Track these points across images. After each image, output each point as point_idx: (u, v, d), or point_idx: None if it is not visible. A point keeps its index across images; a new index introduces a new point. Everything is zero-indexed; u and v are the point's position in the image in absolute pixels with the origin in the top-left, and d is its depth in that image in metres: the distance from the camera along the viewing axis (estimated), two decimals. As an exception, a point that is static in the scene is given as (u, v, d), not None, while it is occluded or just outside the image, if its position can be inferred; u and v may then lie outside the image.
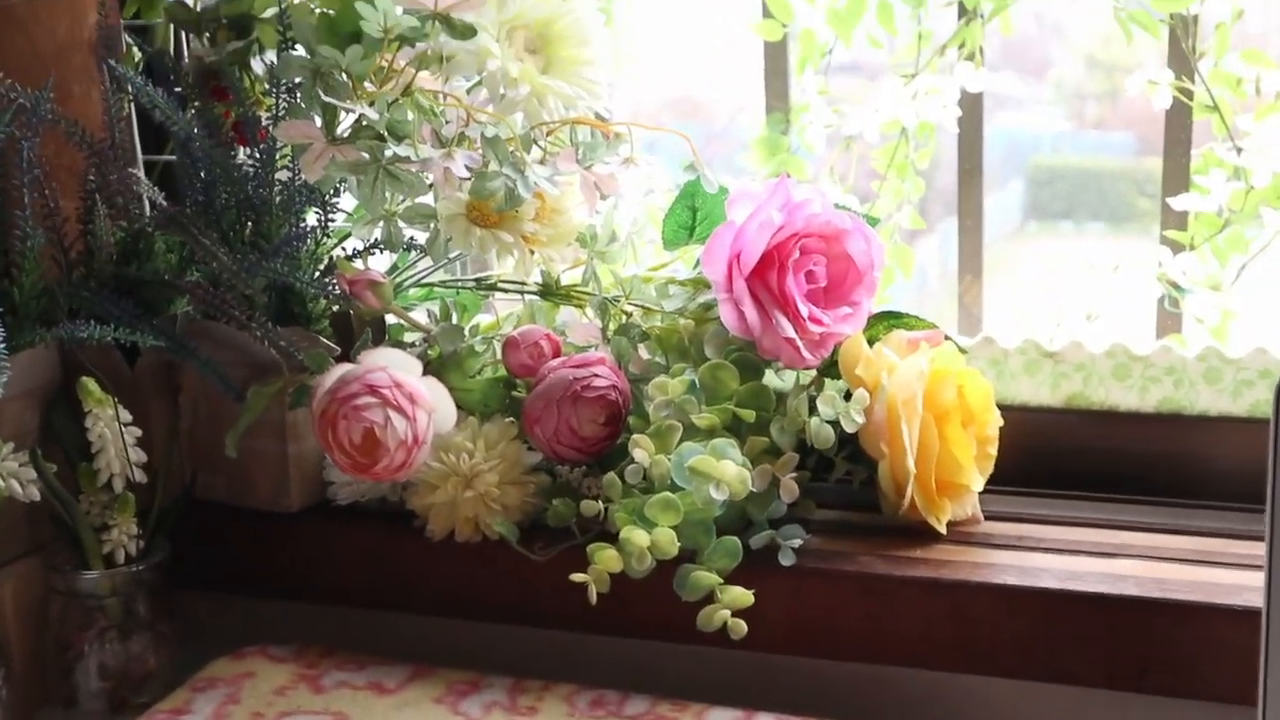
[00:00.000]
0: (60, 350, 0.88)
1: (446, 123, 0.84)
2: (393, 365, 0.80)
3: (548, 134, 0.86)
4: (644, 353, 0.90)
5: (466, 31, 0.83)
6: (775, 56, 1.16)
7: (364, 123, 0.81)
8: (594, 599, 0.78)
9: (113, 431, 0.82)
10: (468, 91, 0.90)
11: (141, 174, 0.94)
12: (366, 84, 0.84)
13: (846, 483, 0.88)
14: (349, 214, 0.95)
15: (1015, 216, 1.48)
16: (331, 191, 0.89)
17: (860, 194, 1.14)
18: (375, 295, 0.84)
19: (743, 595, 0.78)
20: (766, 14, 1.14)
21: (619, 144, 0.85)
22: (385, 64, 0.84)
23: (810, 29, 1.13)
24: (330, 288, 0.86)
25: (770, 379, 0.86)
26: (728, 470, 0.78)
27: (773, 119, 1.17)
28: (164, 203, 0.92)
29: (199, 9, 0.89)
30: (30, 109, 0.84)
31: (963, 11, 1.09)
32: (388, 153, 0.81)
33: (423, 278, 0.95)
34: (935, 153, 1.13)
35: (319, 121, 0.84)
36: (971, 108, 1.10)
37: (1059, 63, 1.22)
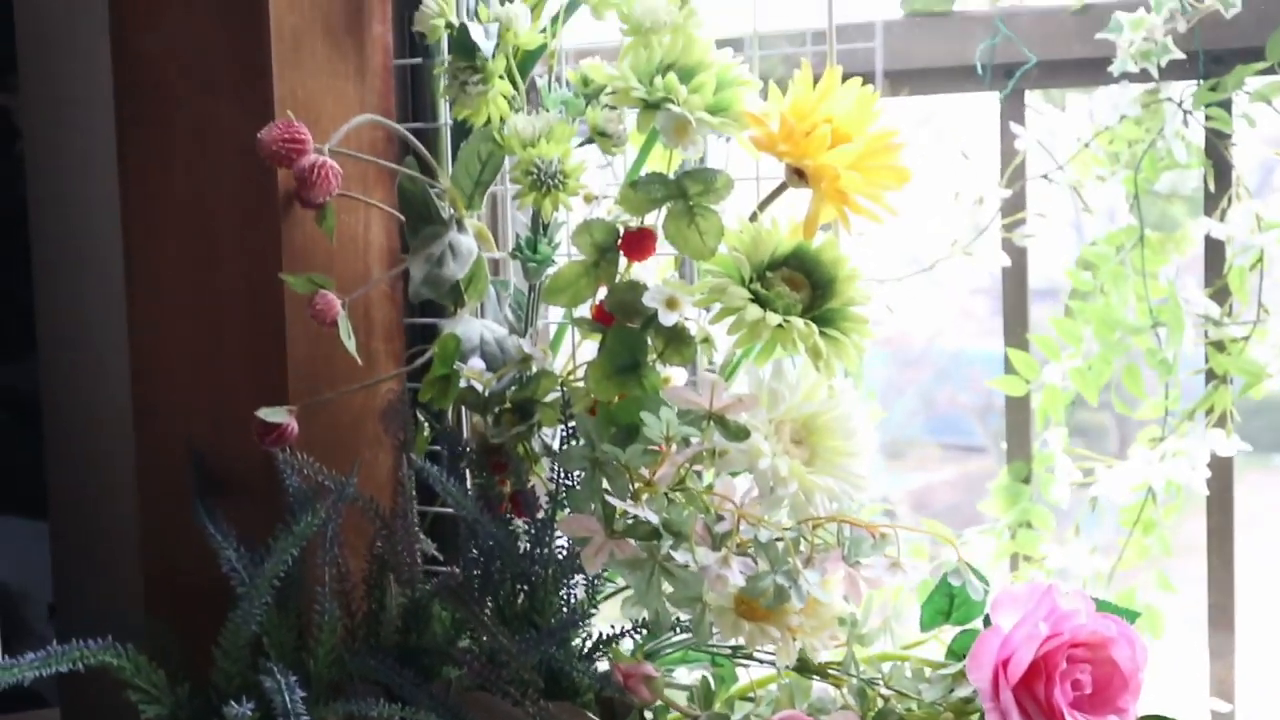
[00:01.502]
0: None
1: (720, 519, 0.88)
2: (666, 764, 0.82)
3: (813, 528, 0.89)
4: (900, 737, 0.91)
5: (740, 433, 0.87)
6: (1017, 408, 1.19)
7: (641, 519, 0.86)
8: None
9: (395, 809, 0.86)
10: (731, 475, 0.94)
11: (420, 535, 1.01)
12: (642, 470, 0.89)
13: None
14: (613, 579, 1.00)
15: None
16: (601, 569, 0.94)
17: (1103, 549, 1.14)
18: (649, 689, 0.87)
19: None
20: (1009, 369, 1.17)
21: (884, 544, 0.87)
22: (660, 452, 0.89)
23: (1053, 385, 1.15)
24: (600, 675, 0.90)
25: (1032, 777, 0.86)
26: None
27: (1014, 468, 1.19)
28: (440, 558, 0.98)
29: (486, 394, 0.95)
30: (336, 496, 0.91)
31: (1211, 377, 1.10)
32: (663, 549, 0.85)
33: (682, 645, 0.99)
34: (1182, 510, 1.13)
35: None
36: (1221, 470, 1.10)
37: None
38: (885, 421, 1.66)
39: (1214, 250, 1.11)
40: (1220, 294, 1.10)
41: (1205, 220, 1.08)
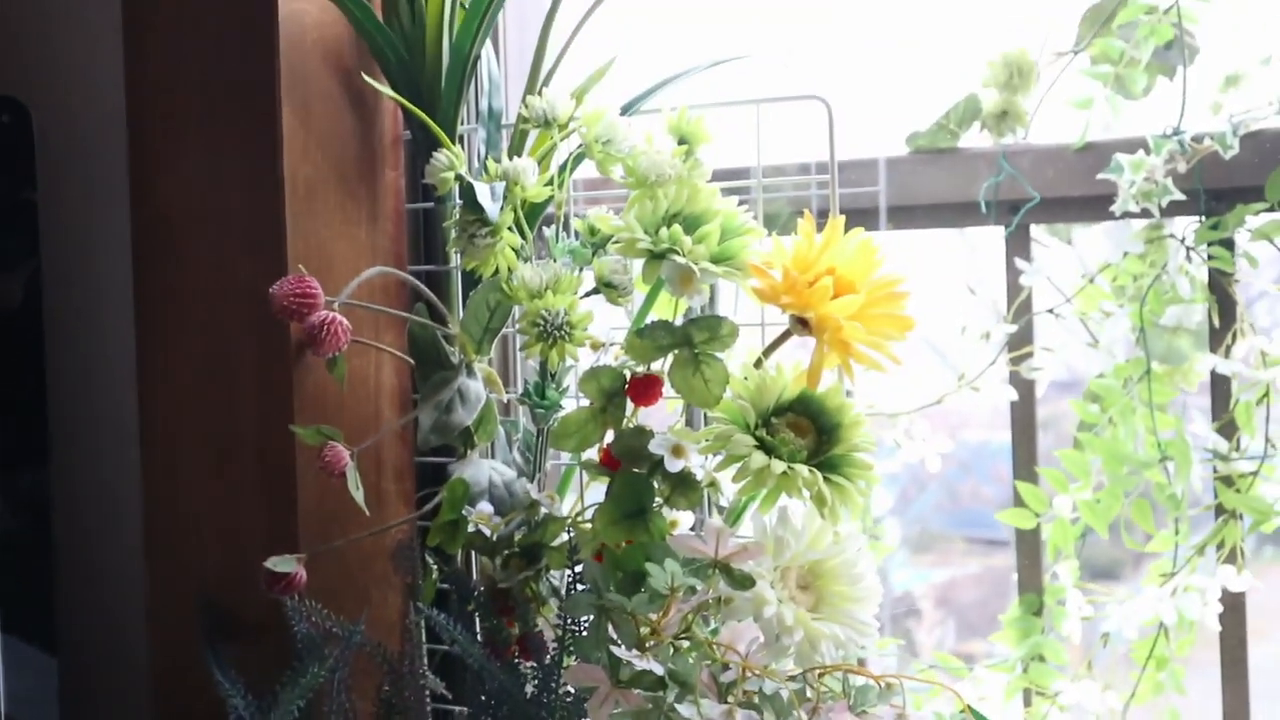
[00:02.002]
0: None
1: (726, 668, 0.88)
2: None
3: (819, 676, 0.89)
4: None
5: (745, 582, 0.88)
6: (1027, 540, 1.18)
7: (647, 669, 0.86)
8: None
9: None
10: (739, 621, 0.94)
11: (427, 675, 1.01)
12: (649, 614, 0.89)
13: None
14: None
15: None
16: (608, 713, 0.94)
17: (1116, 686, 1.13)
18: None
19: None
20: (1019, 503, 1.17)
21: (891, 693, 0.87)
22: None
23: (1063, 519, 1.15)
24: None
25: None
26: None
27: (1025, 601, 1.18)
28: (449, 697, 0.98)
29: (494, 539, 0.96)
30: (344, 644, 0.91)
31: (1220, 511, 1.09)
32: (669, 699, 0.85)
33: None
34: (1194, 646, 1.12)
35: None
36: (1233, 605, 1.10)
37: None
38: (909, 515, 1.66)
39: (1220, 385, 1.11)
40: (1228, 428, 1.10)
41: (1210, 357, 1.09)
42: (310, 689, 0.89)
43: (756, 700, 0.86)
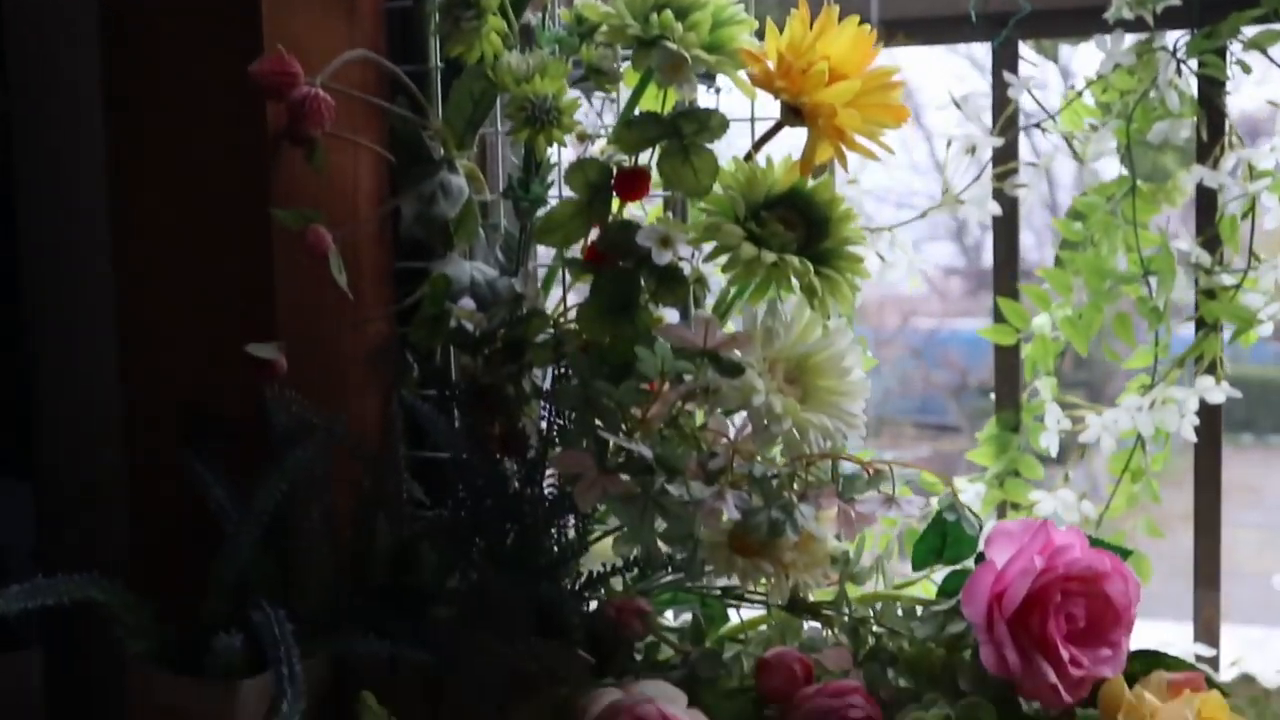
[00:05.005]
0: (331, 659, 0.92)
1: (713, 455, 0.87)
2: (660, 697, 0.82)
3: (807, 465, 0.89)
4: (890, 675, 0.91)
5: (734, 370, 0.87)
6: (1006, 357, 1.18)
7: (634, 454, 0.85)
8: None
9: (386, 746, 0.85)
10: (724, 414, 0.94)
11: (407, 477, 1.00)
12: (634, 409, 0.88)
13: (1103, 827, 0.86)
14: (603, 519, 1.00)
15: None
16: (593, 508, 0.93)
17: (1091, 497, 1.14)
18: (642, 623, 0.87)
19: None
20: (999, 319, 1.16)
21: (880, 480, 0.87)
22: (652, 390, 0.88)
23: (1044, 334, 1.15)
24: (592, 607, 0.89)
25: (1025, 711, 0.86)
26: (996, 826, 0.77)
27: (1002, 417, 1.18)
28: (427, 503, 0.98)
29: (477, 335, 0.95)
30: (325, 434, 0.90)
31: (1201, 325, 1.09)
32: (656, 484, 0.84)
33: (672, 584, 0.98)
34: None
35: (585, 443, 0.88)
36: (1210, 419, 1.10)
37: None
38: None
39: (1206, 199, 1.10)
40: (1211, 243, 1.09)
41: (1198, 168, 1.08)
42: (292, 475, 0.88)
43: (745, 486, 0.85)
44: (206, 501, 0.90)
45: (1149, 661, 0.88)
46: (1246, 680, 0.91)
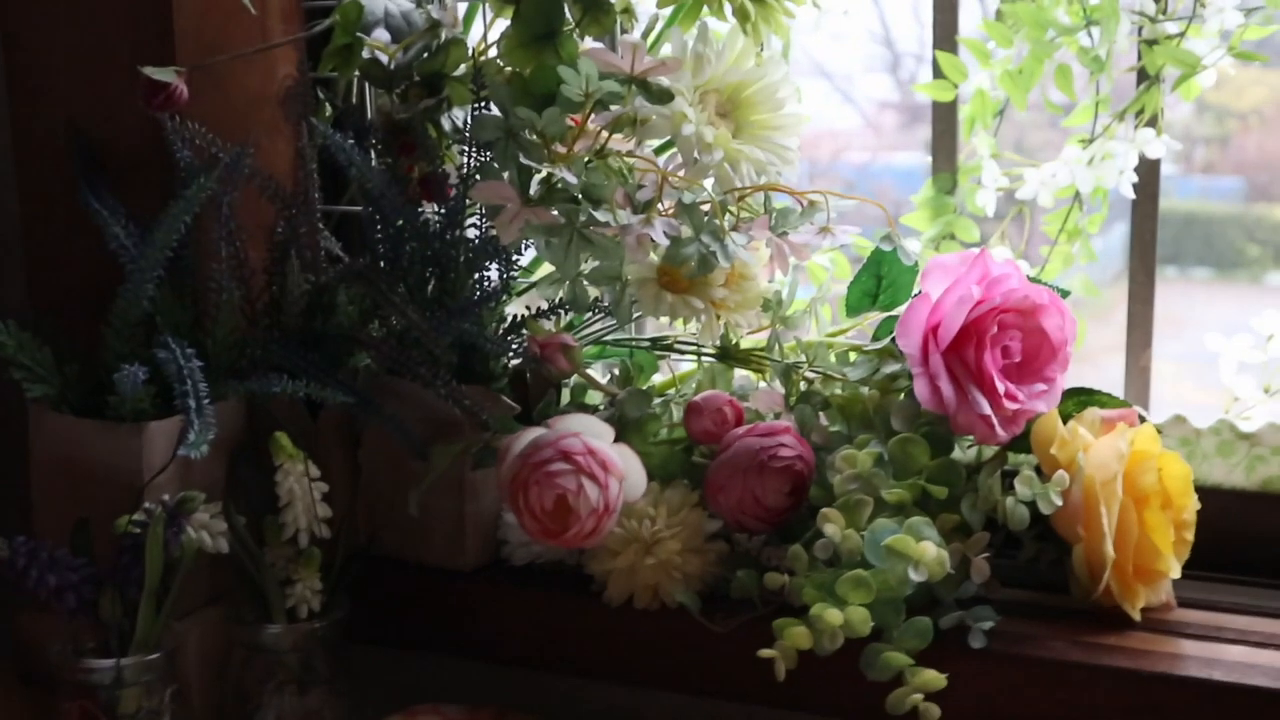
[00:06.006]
0: (247, 402, 0.88)
1: (640, 187, 0.83)
2: (586, 431, 0.79)
3: (739, 199, 0.85)
4: (823, 420, 0.89)
5: (663, 96, 0.82)
6: (944, 116, 1.14)
7: (558, 184, 0.81)
8: (781, 675, 0.77)
9: (302, 487, 0.82)
10: (656, 153, 0.90)
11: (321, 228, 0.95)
12: (557, 146, 0.84)
13: (1033, 562, 0.86)
14: (529, 271, 0.96)
15: (1118, 260, 1.43)
16: (515, 249, 0.89)
17: (1029, 257, 1.11)
18: (567, 358, 0.84)
19: (935, 678, 0.77)
20: (938, 74, 1.12)
21: (814, 212, 0.84)
22: (576, 126, 0.84)
23: (983, 89, 1.11)
24: (517, 348, 0.86)
25: (957, 453, 0.84)
26: (927, 551, 0.76)
27: (939, 180, 1.15)
28: (344, 258, 0.93)
29: (392, 68, 0.89)
30: (230, 164, 0.85)
31: (1143, 77, 1.06)
32: (582, 216, 0.80)
33: (599, 336, 0.95)
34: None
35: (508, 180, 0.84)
36: (1148, 175, 1.08)
37: (1168, 107, 1.18)
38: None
39: (1152, -53, 1.07)
40: (1156, -9, 1.06)
41: (1145, -92, 1.03)
42: (195, 204, 0.83)
43: (675, 216, 0.82)
44: (105, 240, 0.85)
45: (1083, 400, 0.87)
46: (1178, 420, 0.90)
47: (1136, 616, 0.81)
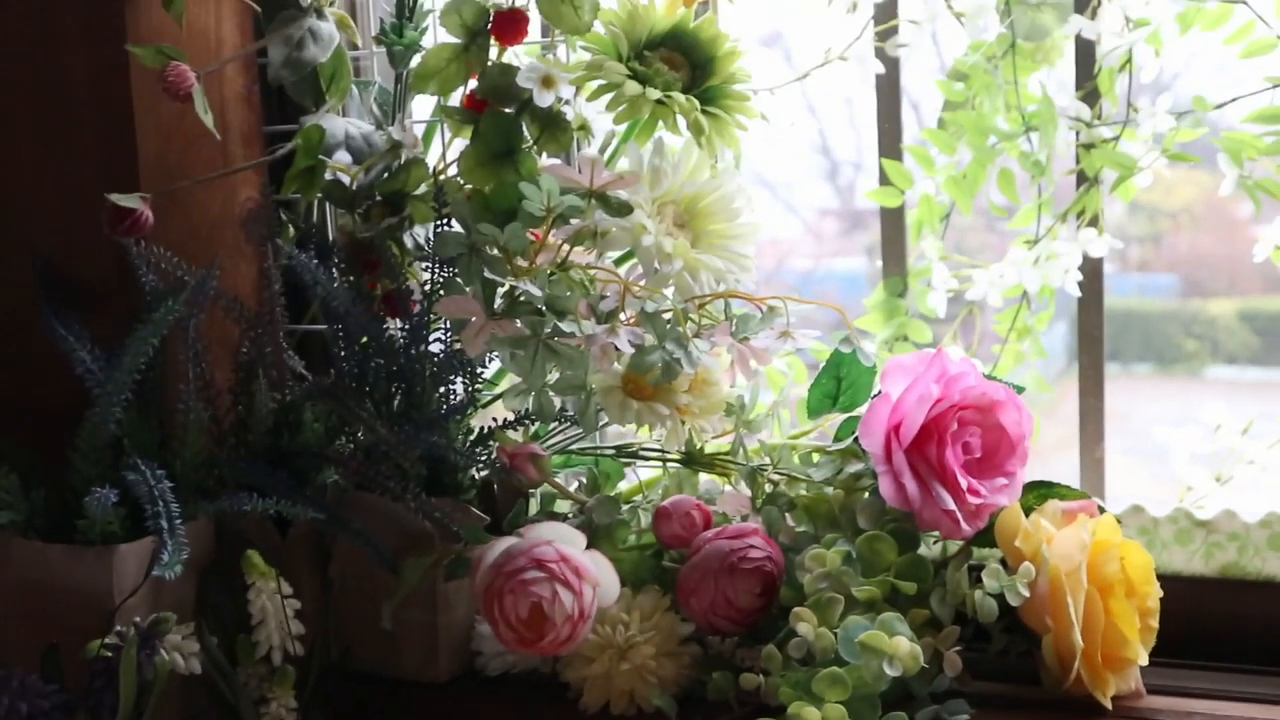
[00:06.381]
0: (216, 521, 0.88)
1: (603, 297, 0.85)
2: (558, 539, 0.80)
3: (700, 307, 0.87)
4: (789, 521, 0.90)
5: (623, 209, 0.85)
6: (892, 222, 1.18)
7: (521, 298, 0.82)
8: (762, 777, 0.77)
9: (274, 605, 0.82)
10: (616, 264, 0.92)
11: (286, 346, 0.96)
12: (520, 260, 0.86)
13: (1004, 654, 0.86)
14: (493, 383, 0.97)
15: (1060, 358, 1.47)
16: (479, 362, 0.91)
17: (980, 356, 1.14)
18: (536, 468, 0.85)
19: (914, 774, 0.77)
20: (885, 181, 1.16)
21: (774, 317, 0.86)
22: (538, 240, 0.86)
23: (929, 195, 1.15)
24: (485, 460, 0.87)
25: (923, 549, 0.86)
26: (901, 646, 0.77)
27: (890, 283, 1.18)
28: (308, 377, 0.94)
29: (354, 188, 0.91)
30: (196, 287, 0.86)
31: (1082, 179, 1.10)
32: (547, 327, 0.82)
33: (564, 446, 0.96)
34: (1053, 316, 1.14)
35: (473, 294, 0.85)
36: (1092, 274, 1.11)
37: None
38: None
39: (1084, 55, 1.11)
40: (1090, 97, 1.10)
41: (1076, 18, 1.08)
42: (162, 328, 0.83)
43: (638, 325, 0.83)
44: (72, 365, 0.85)
45: (1043, 493, 0.89)
46: (1136, 510, 0.92)
47: (1108, 705, 0.82)
